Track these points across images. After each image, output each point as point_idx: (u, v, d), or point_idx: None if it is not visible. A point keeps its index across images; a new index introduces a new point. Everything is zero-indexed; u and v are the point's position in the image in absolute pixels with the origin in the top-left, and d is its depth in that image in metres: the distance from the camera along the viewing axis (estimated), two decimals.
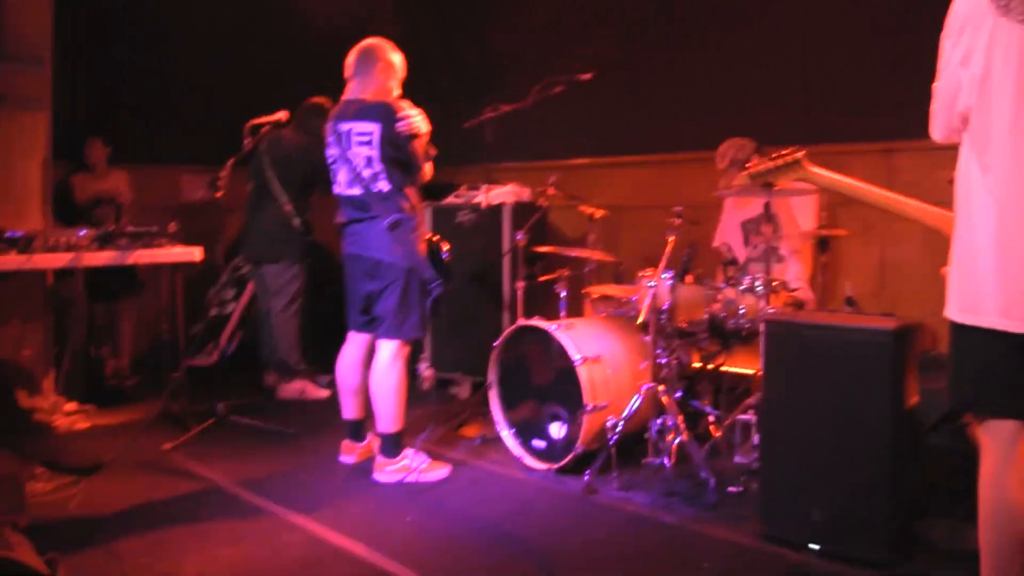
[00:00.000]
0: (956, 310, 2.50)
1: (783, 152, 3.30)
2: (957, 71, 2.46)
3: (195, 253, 5.40)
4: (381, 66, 4.38)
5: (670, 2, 6.57)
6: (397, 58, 4.46)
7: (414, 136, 4.27)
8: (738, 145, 5.29)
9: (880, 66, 5.37)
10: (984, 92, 2.40)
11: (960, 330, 2.51)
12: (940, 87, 2.54)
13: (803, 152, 3.30)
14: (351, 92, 4.42)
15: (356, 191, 4.32)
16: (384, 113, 4.24)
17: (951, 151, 2.60)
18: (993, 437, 2.49)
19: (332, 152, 4.40)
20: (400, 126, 4.22)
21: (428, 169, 4.41)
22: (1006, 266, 2.37)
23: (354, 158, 4.28)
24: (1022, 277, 2.35)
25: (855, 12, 5.56)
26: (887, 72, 5.28)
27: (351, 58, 4.42)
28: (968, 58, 2.43)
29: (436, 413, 5.59)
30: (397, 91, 4.47)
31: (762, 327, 3.75)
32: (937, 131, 2.60)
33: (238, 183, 5.66)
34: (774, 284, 4.38)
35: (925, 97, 2.61)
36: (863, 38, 5.53)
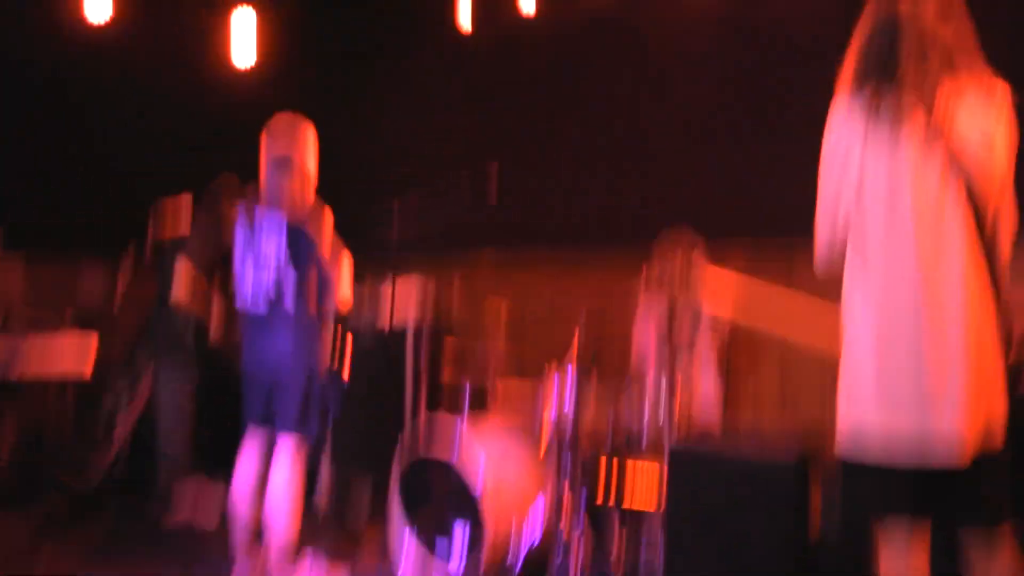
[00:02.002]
0: (847, 438, 2.51)
1: (681, 260, 3.28)
2: (836, 190, 2.53)
3: (91, 346, 5.09)
4: (298, 154, 4.29)
5: (572, 95, 6.67)
6: (313, 137, 4.37)
7: (321, 240, 4.20)
8: (673, 243, 5.29)
9: (785, 162, 5.48)
10: (861, 208, 2.47)
11: (849, 462, 2.52)
12: (820, 208, 2.59)
13: (701, 259, 3.29)
14: (266, 176, 4.30)
15: (264, 281, 4.22)
16: (298, 211, 4.19)
17: None
18: (889, 543, 2.49)
19: (241, 238, 4.30)
20: (311, 228, 4.16)
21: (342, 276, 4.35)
22: (876, 378, 2.41)
23: (263, 250, 4.19)
24: (900, 404, 2.37)
25: (749, 110, 5.75)
26: (788, 168, 5.39)
27: (267, 138, 4.32)
28: (843, 176, 2.49)
29: (336, 513, 5.45)
30: (315, 178, 4.39)
31: (666, 451, 3.76)
32: (819, 250, 2.63)
33: (143, 279, 5.52)
34: (680, 399, 4.34)
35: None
36: (765, 136, 5.68)
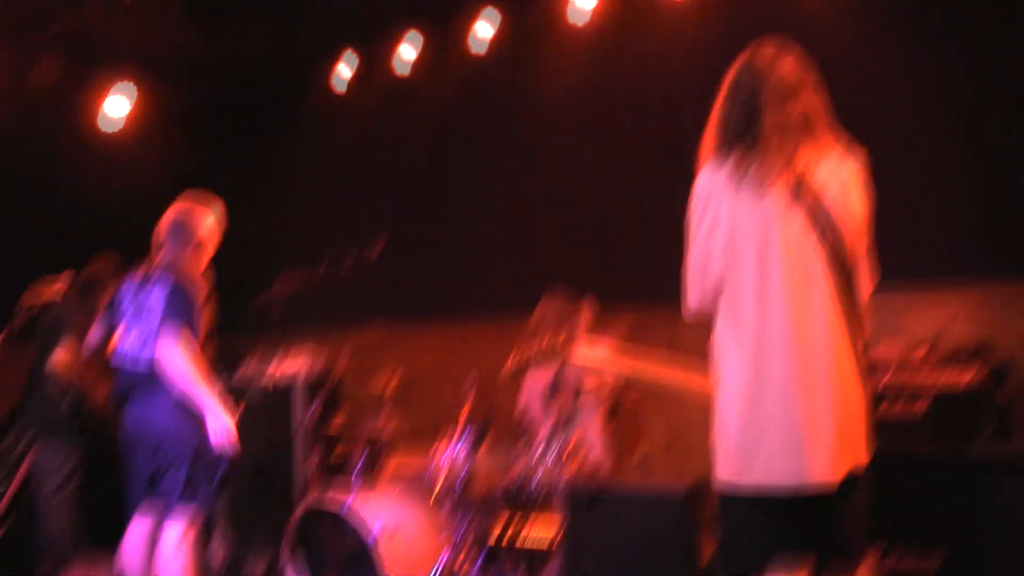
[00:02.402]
0: (723, 475, 2.61)
1: (548, 341, 3.32)
2: (705, 244, 2.64)
3: None
4: (194, 241, 4.31)
5: (457, 175, 6.84)
6: (211, 224, 4.38)
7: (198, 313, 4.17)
8: (562, 304, 5.43)
9: (662, 229, 5.70)
10: (731, 262, 2.59)
11: (726, 498, 2.63)
12: (690, 261, 2.70)
13: (562, 338, 3.31)
14: (160, 257, 4.30)
15: (143, 356, 4.14)
16: (175, 284, 4.15)
17: None
18: None
19: (125, 311, 4.25)
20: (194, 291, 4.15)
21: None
22: (748, 419, 2.52)
23: (146, 324, 4.14)
24: (759, 431, 2.50)
25: (638, 174, 5.98)
26: (669, 234, 5.59)
27: (164, 222, 4.32)
28: (712, 232, 2.62)
29: None
30: (209, 255, 4.41)
31: (560, 496, 3.82)
32: (690, 305, 2.74)
33: (11, 361, 5.38)
34: (570, 449, 4.48)
35: None
36: (646, 204, 5.90)
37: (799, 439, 2.46)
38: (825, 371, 2.49)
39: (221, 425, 4.10)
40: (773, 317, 2.52)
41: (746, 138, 2.63)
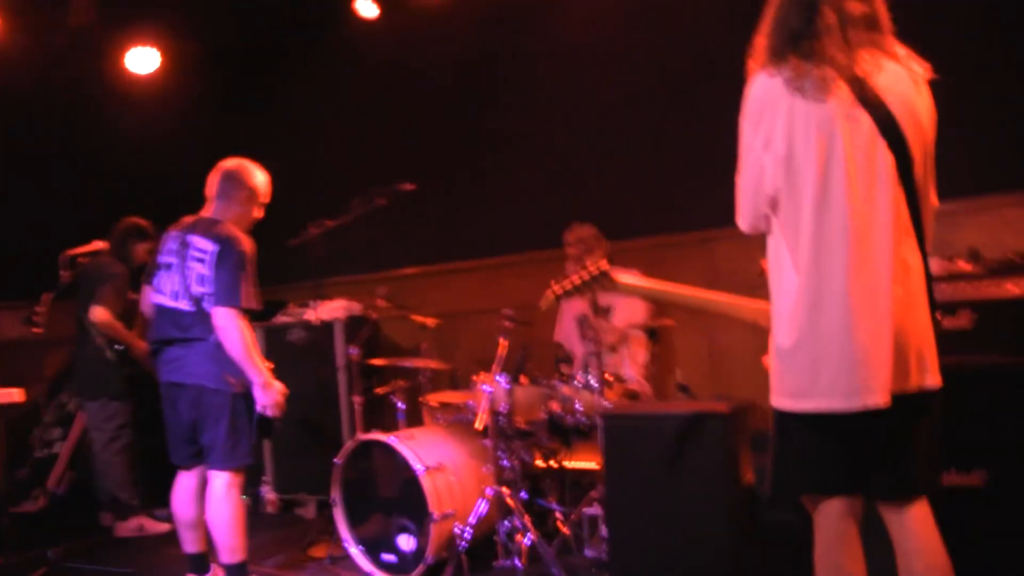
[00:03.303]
0: (783, 396, 2.51)
1: (588, 267, 3.12)
2: (760, 155, 2.48)
3: (14, 394, 5.04)
4: (245, 195, 4.28)
5: (483, 112, 6.76)
6: (261, 181, 4.35)
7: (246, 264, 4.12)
8: (581, 229, 5.42)
9: (691, 156, 5.65)
10: (789, 173, 2.43)
11: (785, 417, 2.51)
12: (744, 174, 2.57)
13: (606, 265, 3.12)
14: (209, 212, 4.27)
15: (183, 305, 4.12)
16: (229, 242, 4.09)
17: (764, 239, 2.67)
18: (824, 516, 2.53)
19: (167, 259, 4.21)
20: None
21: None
22: (808, 337, 2.42)
23: (189, 272, 4.11)
24: (820, 350, 2.40)
25: (659, 106, 5.88)
26: (699, 161, 5.52)
27: (214, 178, 4.28)
28: (769, 142, 2.46)
29: (282, 536, 5.43)
30: (259, 215, 4.39)
31: (599, 421, 3.81)
32: (744, 220, 2.60)
33: (61, 317, 5.45)
34: (608, 378, 4.47)
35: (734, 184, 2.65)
36: (669, 133, 5.84)
37: (862, 358, 2.34)
38: (888, 286, 2.36)
39: (270, 396, 4.08)
40: (834, 229, 2.38)
41: (804, 39, 2.46)
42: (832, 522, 2.52)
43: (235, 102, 7.65)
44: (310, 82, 7.60)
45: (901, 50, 2.51)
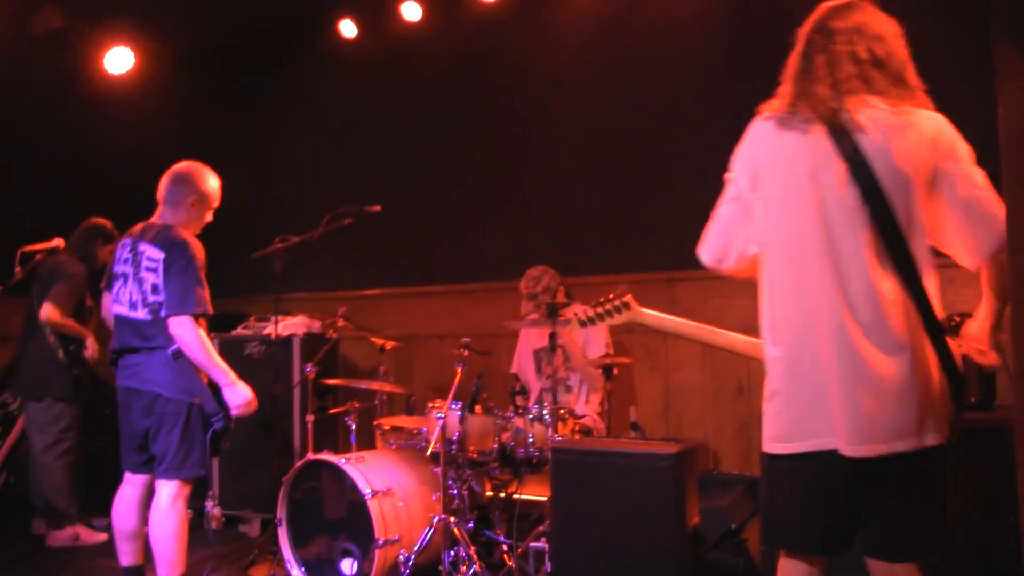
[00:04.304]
0: (766, 440, 2.49)
1: (611, 296, 3.17)
2: (738, 192, 2.55)
3: None
4: (194, 199, 4.26)
5: (455, 140, 6.78)
6: (213, 185, 4.33)
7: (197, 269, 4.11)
8: (551, 274, 5.43)
9: (662, 197, 5.71)
10: (765, 214, 2.48)
11: (770, 462, 2.49)
12: (720, 208, 2.60)
13: (630, 295, 3.18)
14: (159, 217, 4.26)
15: (141, 315, 4.10)
16: (177, 247, 4.08)
17: (726, 280, 2.74)
18: (782, 571, 2.52)
19: (122, 268, 4.19)
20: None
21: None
22: (792, 386, 2.42)
23: (144, 282, 4.09)
24: (805, 397, 2.39)
25: (634, 146, 5.92)
26: (669, 202, 5.60)
27: (165, 181, 4.27)
28: (747, 180, 2.53)
29: (223, 553, 5.35)
30: (209, 219, 4.38)
31: (549, 455, 3.82)
32: (707, 252, 2.64)
33: (11, 314, 5.37)
34: (561, 412, 4.48)
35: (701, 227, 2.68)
36: (640, 171, 5.89)
37: (837, 407, 2.32)
38: (846, 331, 2.31)
39: (239, 395, 4.10)
40: (812, 278, 2.38)
41: (797, 83, 2.50)
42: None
43: (209, 108, 7.65)
44: (284, 98, 7.61)
45: (914, 98, 2.46)
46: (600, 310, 3.17)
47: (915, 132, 2.38)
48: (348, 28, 7.00)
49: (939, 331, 2.36)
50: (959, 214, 2.39)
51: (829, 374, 2.34)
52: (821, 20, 2.53)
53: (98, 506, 5.38)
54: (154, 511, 4.10)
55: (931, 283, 2.38)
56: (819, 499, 2.43)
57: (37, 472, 5.62)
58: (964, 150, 2.42)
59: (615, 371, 4.82)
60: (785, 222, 2.46)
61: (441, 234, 6.76)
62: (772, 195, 2.49)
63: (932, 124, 2.41)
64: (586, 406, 5.27)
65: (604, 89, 6.12)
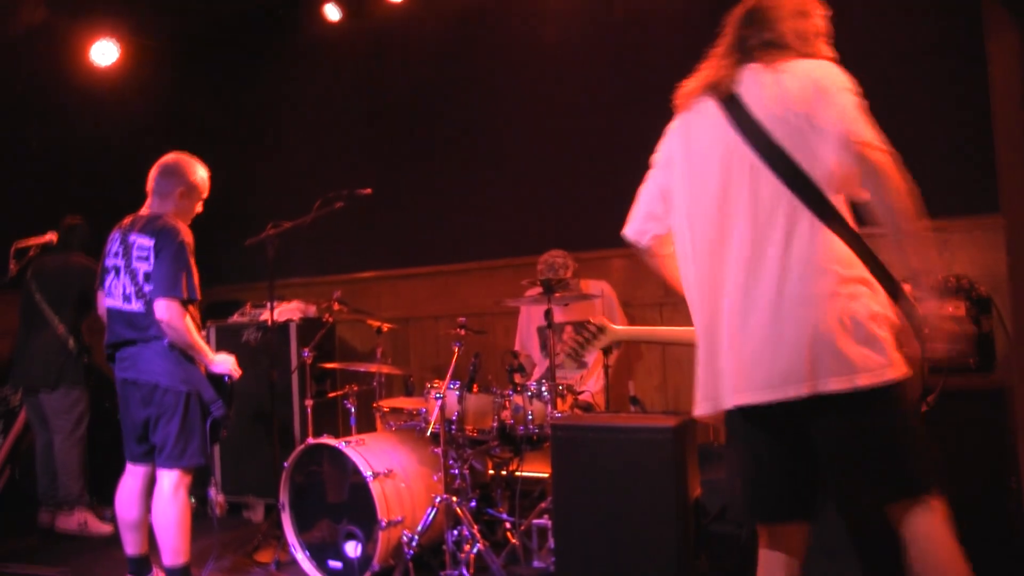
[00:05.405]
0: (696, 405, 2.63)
1: (588, 325, 3.61)
2: (654, 170, 2.77)
3: None
4: (182, 190, 4.26)
5: (444, 121, 6.76)
6: (202, 176, 4.34)
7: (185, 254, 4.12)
8: (565, 255, 5.42)
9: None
10: (672, 190, 2.68)
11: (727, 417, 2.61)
12: (641, 188, 2.82)
13: (605, 321, 3.62)
14: (149, 208, 4.26)
15: (136, 307, 4.11)
16: (166, 234, 4.09)
17: None
18: (759, 543, 2.60)
19: (113, 262, 4.20)
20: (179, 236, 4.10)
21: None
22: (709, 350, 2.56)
23: (136, 272, 4.10)
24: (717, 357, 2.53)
25: (622, 124, 5.89)
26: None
27: (153, 173, 4.27)
28: (660, 157, 2.75)
29: (227, 540, 5.36)
30: (199, 210, 4.38)
31: (549, 432, 3.83)
32: (629, 228, 2.85)
33: (6, 309, 5.36)
34: (560, 388, 4.49)
35: None
36: (626, 151, 5.85)
37: (729, 357, 2.46)
38: (736, 289, 2.44)
39: (225, 366, 4.20)
40: (716, 245, 2.51)
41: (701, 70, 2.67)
42: (761, 553, 2.59)
43: (196, 97, 7.61)
44: (271, 83, 7.58)
45: (807, 57, 2.52)
46: (581, 339, 3.63)
47: (793, 79, 2.42)
48: (332, 11, 6.97)
49: (864, 278, 2.37)
50: (838, 150, 2.36)
51: (727, 335, 2.47)
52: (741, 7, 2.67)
53: (105, 497, 5.39)
54: (156, 500, 4.14)
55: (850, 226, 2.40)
56: (753, 461, 2.56)
57: (54, 459, 5.67)
58: (838, 84, 2.41)
59: (613, 346, 4.81)
60: (690, 196, 2.61)
61: (433, 214, 6.74)
62: (680, 172, 2.65)
63: (806, 68, 2.45)
64: (590, 381, 5.27)
65: (588, 68, 6.11)
